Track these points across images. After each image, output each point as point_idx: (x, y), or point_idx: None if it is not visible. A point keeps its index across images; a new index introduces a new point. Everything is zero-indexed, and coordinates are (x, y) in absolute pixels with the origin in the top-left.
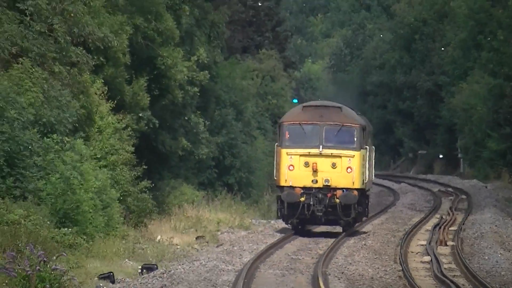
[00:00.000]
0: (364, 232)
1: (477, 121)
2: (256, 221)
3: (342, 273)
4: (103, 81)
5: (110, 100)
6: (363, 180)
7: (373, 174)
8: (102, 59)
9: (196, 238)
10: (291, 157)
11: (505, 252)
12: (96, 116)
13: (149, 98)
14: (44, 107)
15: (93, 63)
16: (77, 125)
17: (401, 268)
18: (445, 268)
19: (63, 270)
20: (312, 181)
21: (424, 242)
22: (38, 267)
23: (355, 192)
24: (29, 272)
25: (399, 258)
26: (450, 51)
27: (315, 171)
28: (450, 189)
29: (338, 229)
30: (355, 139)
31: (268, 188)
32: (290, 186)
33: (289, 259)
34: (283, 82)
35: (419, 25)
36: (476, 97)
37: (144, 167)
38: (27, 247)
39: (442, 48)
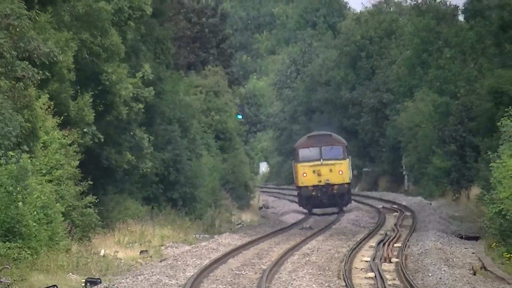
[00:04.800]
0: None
1: (422, 138)
2: (200, 236)
3: None
4: (48, 96)
5: (56, 116)
6: (349, 177)
7: (352, 174)
8: (47, 74)
9: (140, 253)
10: (304, 168)
11: (449, 268)
12: (41, 131)
13: (94, 114)
14: None
15: (39, 77)
16: (20, 140)
17: (345, 284)
18: (389, 285)
19: (7, 283)
20: (318, 181)
21: (368, 259)
22: None
23: (346, 185)
24: None
25: (343, 274)
26: (395, 68)
27: (319, 175)
28: (395, 206)
29: (333, 210)
30: (342, 152)
31: (212, 204)
32: (305, 186)
33: (233, 274)
34: (228, 98)
35: (365, 43)
36: (421, 115)
37: (90, 182)
38: None
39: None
